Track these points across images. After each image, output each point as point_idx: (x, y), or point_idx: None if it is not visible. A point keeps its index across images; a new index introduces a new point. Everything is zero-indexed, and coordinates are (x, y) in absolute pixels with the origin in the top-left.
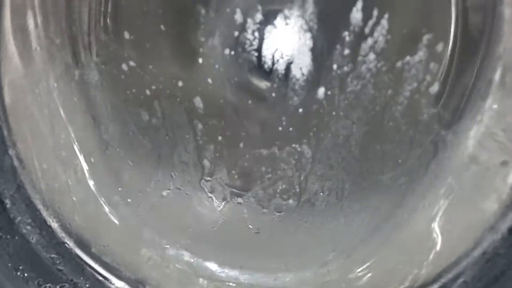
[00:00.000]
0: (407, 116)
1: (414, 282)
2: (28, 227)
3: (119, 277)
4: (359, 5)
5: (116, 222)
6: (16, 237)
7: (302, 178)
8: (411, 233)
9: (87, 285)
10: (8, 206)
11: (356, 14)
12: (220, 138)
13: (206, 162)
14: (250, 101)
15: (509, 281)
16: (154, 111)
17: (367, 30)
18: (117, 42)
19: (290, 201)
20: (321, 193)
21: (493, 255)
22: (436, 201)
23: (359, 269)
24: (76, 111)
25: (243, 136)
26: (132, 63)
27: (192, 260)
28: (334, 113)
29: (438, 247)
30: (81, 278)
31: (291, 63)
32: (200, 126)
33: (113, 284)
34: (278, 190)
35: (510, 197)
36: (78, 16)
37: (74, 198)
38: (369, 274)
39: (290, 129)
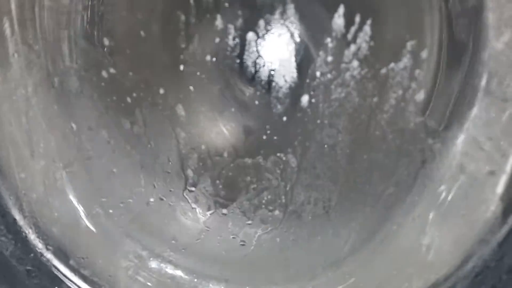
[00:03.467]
0: (393, 124)
1: None
2: (3, 238)
3: None
4: (340, 11)
5: (96, 233)
6: None
7: (288, 189)
8: (401, 246)
9: None
10: None
11: (338, 20)
12: (203, 147)
13: (189, 172)
14: (233, 109)
15: None
16: (135, 119)
17: (349, 36)
18: (97, 48)
19: (276, 212)
20: (308, 204)
21: (483, 268)
22: (425, 213)
23: (348, 282)
24: (56, 119)
25: (227, 145)
26: (112, 70)
27: (175, 273)
28: (318, 121)
29: (427, 260)
30: None
31: (273, 70)
32: (182, 134)
33: None
34: (263, 201)
35: (500, 208)
36: (56, 22)
37: (52, 209)
38: None
39: (275, 137)
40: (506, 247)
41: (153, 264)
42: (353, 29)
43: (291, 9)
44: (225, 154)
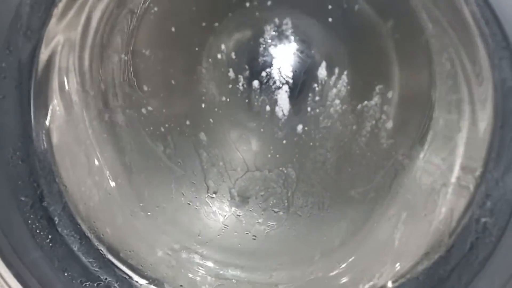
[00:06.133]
0: (370, 145)
1: (379, 279)
2: (72, 238)
3: (142, 276)
4: (323, 65)
5: (139, 231)
6: (63, 246)
7: (289, 194)
8: (379, 239)
9: (118, 283)
10: (56, 222)
11: (322, 71)
12: (221, 163)
13: (210, 182)
14: (244, 135)
15: (450, 281)
16: (167, 144)
17: (331, 83)
18: (138, 92)
19: (280, 213)
20: (306, 207)
21: (439, 259)
22: (398, 213)
23: (339, 268)
24: (107, 145)
25: (240, 162)
26: (150, 108)
27: (201, 262)
28: (311, 143)
29: (399, 251)
30: (113, 278)
31: (274, 107)
32: (204, 154)
33: (138, 282)
34: (270, 204)
35: (450, 211)
36: (108, 74)
37: (105, 214)
38: (347, 272)
39: (277, 156)
40: (455, 240)
41: (184, 255)
42: (333, 77)
43: (286, 64)
44: (239, 169)
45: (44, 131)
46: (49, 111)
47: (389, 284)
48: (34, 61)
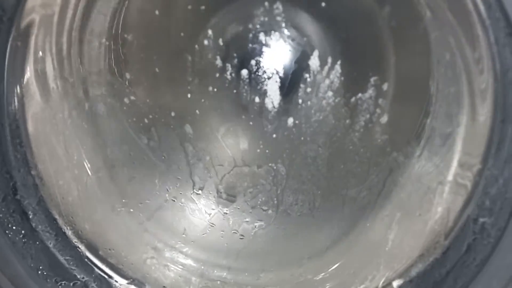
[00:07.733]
0: (364, 141)
1: (372, 282)
2: (47, 234)
3: (123, 276)
4: (315, 54)
5: (120, 229)
6: (37, 242)
7: (279, 192)
8: (372, 240)
9: (96, 283)
10: (31, 216)
11: (314, 61)
12: (207, 158)
13: (196, 178)
14: (231, 128)
15: (446, 285)
16: (151, 136)
17: (324, 73)
18: (120, 81)
19: (269, 211)
20: (296, 205)
21: (434, 261)
22: (392, 213)
23: (329, 270)
24: (87, 136)
25: (227, 156)
26: (132, 98)
27: (185, 262)
28: (302, 138)
29: (392, 252)
30: (91, 277)
31: (264, 98)
32: (190, 148)
33: (117, 282)
34: (258, 202)
35: (447, 210)
36: (87, 61)
37: (84, 209)
38: (337, 274)
39: (267, 151)
40: (452, 242)
41: (167, 254)
42: (326, 67)
43: (276, 52)
44: (226, 164)
45: (19, 119)
46: (25, 98)
47: (394, 284)
48: (7, 43)
